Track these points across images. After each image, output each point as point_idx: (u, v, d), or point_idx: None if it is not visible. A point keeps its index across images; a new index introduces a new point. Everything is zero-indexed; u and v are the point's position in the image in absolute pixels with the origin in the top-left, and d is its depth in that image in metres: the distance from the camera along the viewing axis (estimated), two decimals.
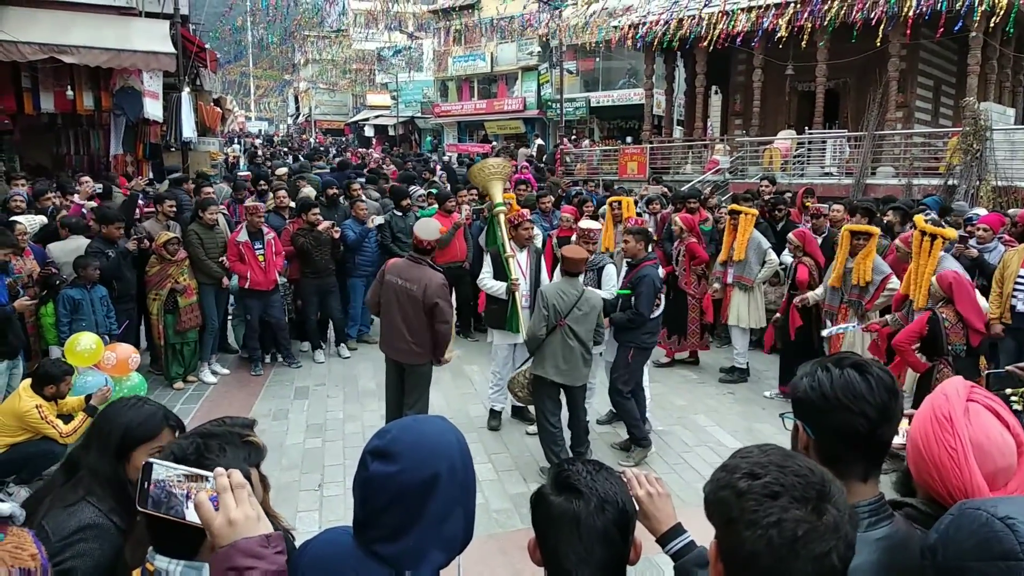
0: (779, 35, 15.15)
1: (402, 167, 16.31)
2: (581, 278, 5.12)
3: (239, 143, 31.71)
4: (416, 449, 1.35)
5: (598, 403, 6.08)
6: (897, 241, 5.90)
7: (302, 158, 21.93)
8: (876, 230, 6.03)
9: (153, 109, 11.79)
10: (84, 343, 5.07)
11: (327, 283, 7.66)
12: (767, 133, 16.78)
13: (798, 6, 14.96)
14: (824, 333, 5.98)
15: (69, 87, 11.29)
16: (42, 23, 10.65)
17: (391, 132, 42.03)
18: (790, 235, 6.85)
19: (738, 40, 16.10)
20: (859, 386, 1.33)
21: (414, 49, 40.70)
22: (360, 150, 30.37)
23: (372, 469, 1.34)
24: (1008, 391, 2.20)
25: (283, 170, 12.41)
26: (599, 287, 5.56)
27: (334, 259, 7.69)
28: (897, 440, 1.43)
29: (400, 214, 8.39)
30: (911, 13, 13.28)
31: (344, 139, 44.89)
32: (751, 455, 1.11)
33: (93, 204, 8.34)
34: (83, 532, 1.84)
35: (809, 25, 14.92)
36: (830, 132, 15.81)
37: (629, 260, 5.54)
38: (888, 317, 5.61)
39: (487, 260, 6.16)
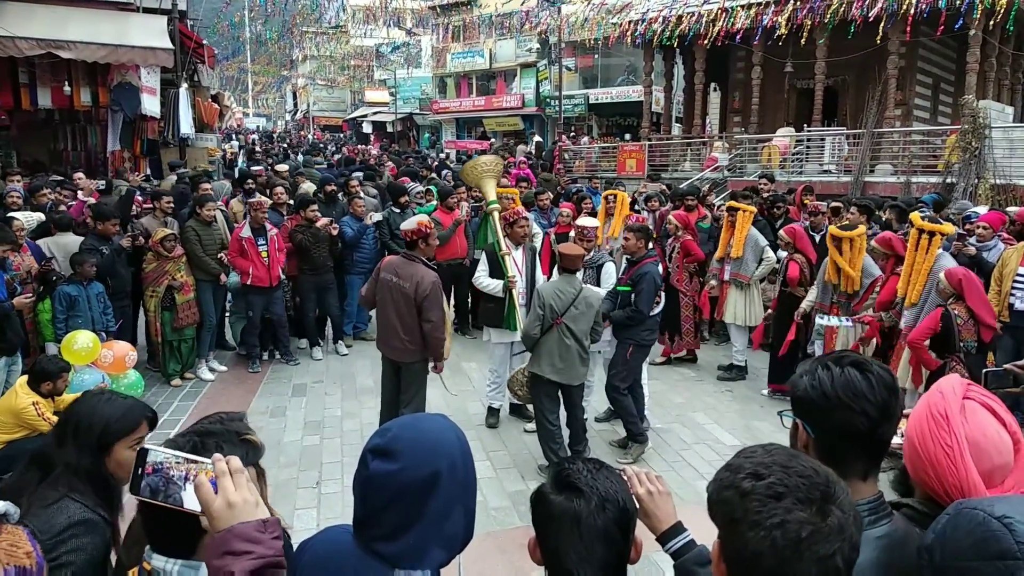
0: (779, 32, 15.14)
1: (403, 164, 16.30)
2: (579, 275, 5.11)
3: (237, 140, 31.65)
4: (417, 447, 1.34)
5: (596, 401, 6.08)
6: (872, 242, 5.88)
7: (302, 154, 21.92)
8: (860, 231, 5.98)
9: (151, 105, 11.78)
10: (81, 341, 5.05)
11: (325, 280, 7.65)
12: (766, 130, 16.78)
13: (797, 3, 14.95)
14: (818, 320, 6.00)
15: (66, 83, 11.26)
16: (39, 18, 10.62)
17: (389, 129, 42.00)
18: (781, 231, 6.85)
19: (737, 37, 16.08)
20: (860, 384, 1.32)
21: (412, 45, 40.67)
22: (360, 147, 30.33)
23: (373, 467, 1.33)
24: None
25: (283, 167, 12.40)
26: (598, 285, 5.55)
27: (332, 256, 7.68)
28: (895, 440, 1.43)
29: (398, 211, 8.37)
30: (911, 11, 13.27)
31: (342, 135, 44.83)
32: (755, 455, 1.11)
33: (94, 201, 8.31)
34: (74, 528, 1.83)
35: (808, 22, 14.91)
36: (829, 130, 15.80)
37: (629, 257, 5.54)
38: (882, 313, 5.61)
39: (482, 258, 6.15)
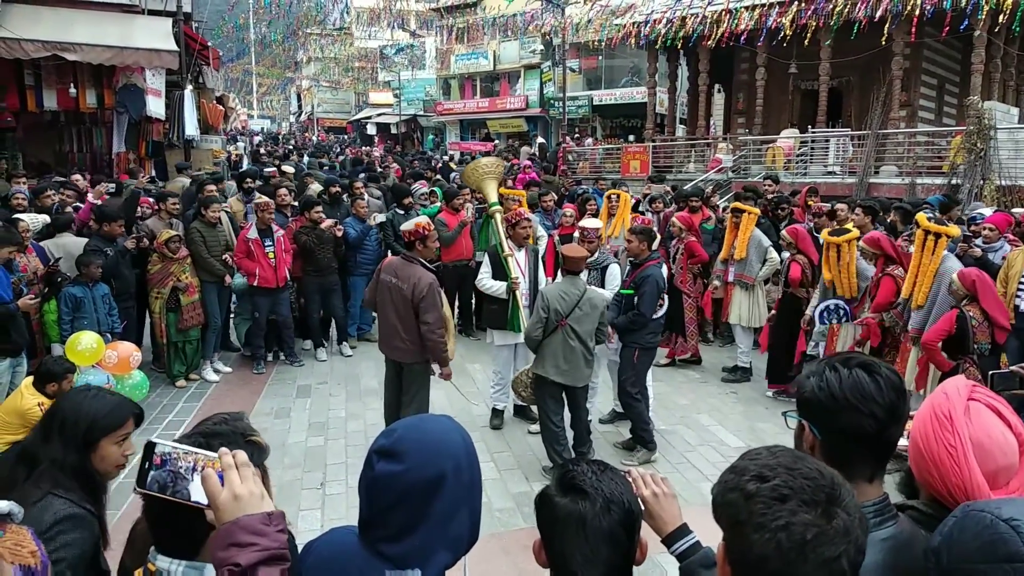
0: (783, 34, 15.11)
1: (409, 166, 16.32)
2: (584, 277, 5.10)
3: (243, 141, 31.72)
4: (422, 448, 1.34)
5: (600, 402, 6.08)
6: (861, 242, 5.85)
7: (307, 156, 21.97)
8: (850, 235, 5.96)
9: (156, 107, 11.81)
10: (85, 342, 5.07)
11: (330, 281, 7.66)
12: (770, 132, 16.75)
13: (802, 4, 14.92)
14: (819, 325, 5.98)
15: (72, 84, 11.30)
16: (45, 21, 10.66)
17: (393, 130, 42.01)
18: (783, 232, 6.84)
19: (741, 39, 16.06)
20: (868, 387, 1.32)
21: (416, 47, 40.68)
22: (363, 148, 30.36)
23: (378, 468, 1.33)
24: None
25: (289, 168, 12.43)
26: (603, 287, 5.54)
27: (336, 257, 7.69)
28: (901, 442, 1.43)
29: (402, 212, 8.38)
30: (916, 12, 13.23)
31: (346, 137, 44.89)
32: (760, 457, 1.10)
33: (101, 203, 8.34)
34: (62, 524, 1.83)
35: (813, 23, 14.88)
36: (833, 131, 15.77)
37: (632, 259, 5.53)
38: (884, 315, 5.59)
39: (485, 260, 6.15)
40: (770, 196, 8.93)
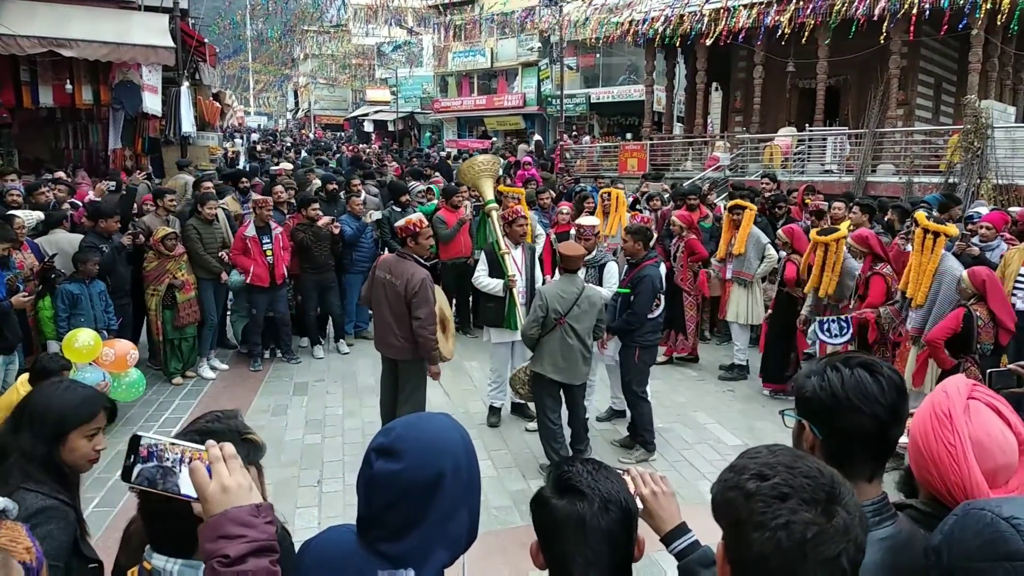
0: (781, 32, 15.11)
1: (408, 163, 16.30)
2: (581, 274, 5.10)
3: (241, 138, 31.65)
4: (421, 447, 1.34)
5: (598, 400, 6.08)
6: (849, 239, 5.85)
7: (305, 152, 21.96)
8: (841, 233, 5.96)
9: (152, 103, 11.77)
10: (82, 339, 5.05)
11: (326, 279, 7.65)
12: (767, 130, 16.75)
13: (800, 3, 14.92)
14: (813, 328, 5.97)
15: (68, 81, 11.25)
16: (41, 16, 10.62)
17: (391, 127, 41.97)
18: (779, 231, 6.85)
19: (739, 37, 16.06)
20: (870, 387, 1.31)
21: (414, 44, 40.64)
22: (359, 146, 30.32)
23: (376, 467, 1.33)
24: None
25: (287, 166, 12.42)
26: (600, 284, 5.54)
27: (334, 255, 7.68)
28: (900, 440, 1.42)
29: (399, 210, 8.37)
30: (914, 11, 13.24)
31: (343, 134, 44.83)
32: (759, 456, 1.10)
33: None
34: (36, 517, 1.81)
35: (811, 22, 14.88)
36: (831, 129, 15.77)
37: (630, 259, 5.52)
38: (881, 310, 5.59)
39: (482, 258, 6.14)
40: (767, 194, 8.93)
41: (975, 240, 6.39)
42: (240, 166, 17.71)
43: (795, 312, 6.39)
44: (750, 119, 17.47)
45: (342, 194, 8.67)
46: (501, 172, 9.85)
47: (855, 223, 6.62)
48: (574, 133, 26.38)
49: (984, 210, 7.63)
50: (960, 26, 13.30)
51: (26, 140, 13.31)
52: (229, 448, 1.17)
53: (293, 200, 8.16)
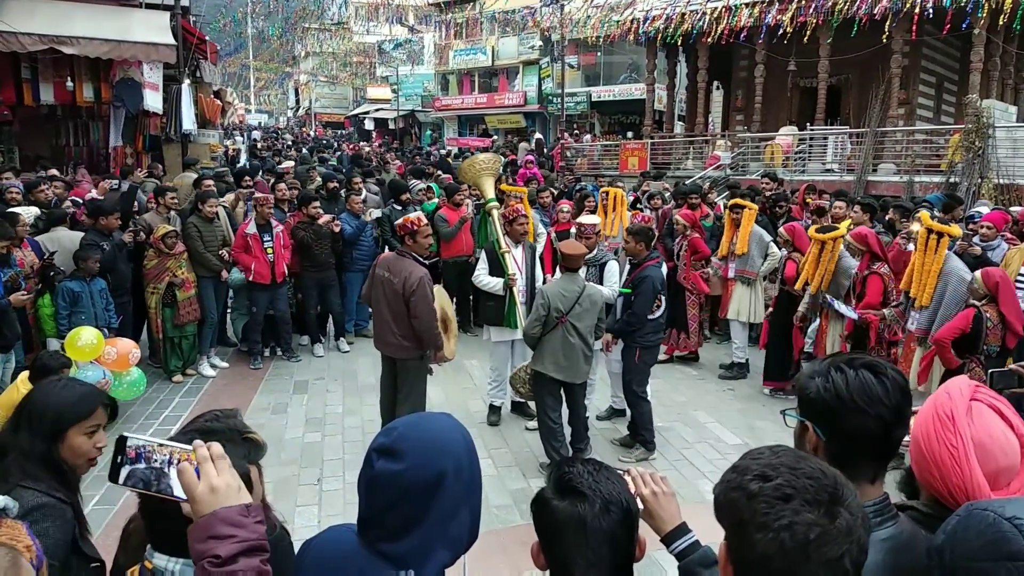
0: (783, 30, 15.10)
1: (412, 162, 16.29)
2: (582, 273, 5.09)
3: (242, 136, 31.66)
4: (422, 447, 1.33)
5: (598, 399, 6.07)
6: (847, 236, 5.84)
7: (306, 150, 21.96)
8: (840, 231, 5.96)
9: (153, 101, 11.76)
10: (85, 338, 5.05)
11: (327, 277, 7.65)
12: (768, 129, 16.74)
13: (802, 1, 14.90)
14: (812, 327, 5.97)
15: (69, 78, 11.24)
16: (42, 14, 10.60)
17: (392, 125, 41.96)
18: (780, 229, 6.86)
19: (741, 36, 16.05)
20: (875, 388, 1.31)
21: (415, 42, 40.61)
22: (361, 143, 30.31)
23: (378, 467, 1.32)
24: None
25: (289, 164, 12.41)
26: (601, 283, 5.53)
27: (334, 253, 7.68)
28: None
29: (400, 208, 8.37)
30: (916, 10, 13.23)
31: (344, 132, 44.83)
32: (762, 456, 1.10)
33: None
34: (32, 515, 1.81)
35: (813, 21, 14.87)
36: (832, 128, 15.76)
37: (632, 260, 5.51)
38: (886, 312, 5.59)
39: (482, 256, 6.14)
40: (768, 193, 8.93)
41: (976, 240, 6.38)
42: (241, 164, 17.70)
43: (796, 310, 6.39)
44: (751, 118, 17.46)
45: (343, 192, 8.67)
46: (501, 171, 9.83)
47: (856, 222, 6.62)
48: (575, 132, 26.36)
49: (985, 210, 7.62)
50: (963, 26, 13.28)
51: (27, 137, 13.31)
52: (217, 448, 1.17)
53: (294, 198, 8.16)
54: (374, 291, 4.89)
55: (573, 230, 6.26)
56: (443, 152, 25.10)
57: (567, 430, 5.12)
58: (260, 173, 11.79)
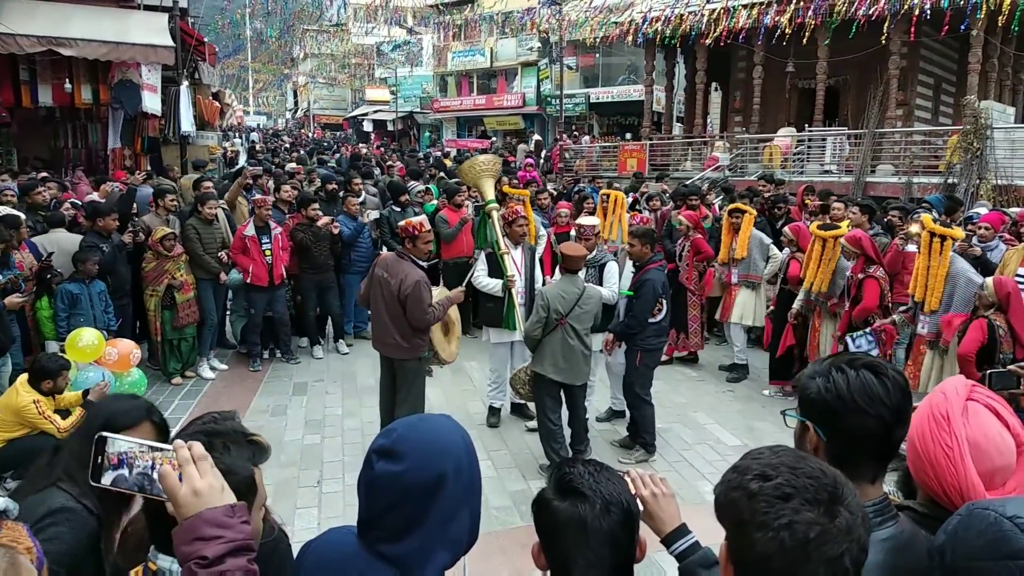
0: (781, 32, 15.12)
1: (415, 164, 16.28)
2: (582, 275, 5.09)
3: (241, 138, 31.67)
4: (422, 448, 1.33)
5: (597, 400, 6.07)
6: (843, 240, 5.84)
7: (303, 151, 21.97)
8: (842, 231, 5.95)
9: (151, 103, 11.76)
10: (86, 339, 5.05)
11: (326, 279, 7.64)
12: (767, 130, 16.76)
13: (800, 3, 14.93)
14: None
15: (67, 80, 11.24)
16: (41, 15, 10.61)
17: (390, 127, 41.96)
18: (786, 229, 6.88)
19: (740, 37, 16.07)
20: (876, 388, 1.31)
21: (413, 44, 40.62)
22: (360, 145, 30.31)
23: (377, 468, 1.32)
24: None
25: (292, 165, 12.41)
26: (600, 284, 5.53)
27: (333, 255, 7.67)
28: None
29: (399, 210, 8.37)
30: (914, 12, 13.25)
31: (343, 134, 44.83)
32: (762, 456, 1.10)
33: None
34: (53, 516, 1.84)
35: (811, 22, 14.89)
36: (830, 130, 15.79)
37: (635, 262, 5.50)
38: (896, 318, 5.59)
39: (481, 258, 6.14)
40: (766, 195, 8.94)
41: (974, 241, 6.40)
42: (240, 165, 17.70)
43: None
44: (749, 119, 17.49)
45: (341, 194, 8.67)
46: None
47: (854, 223, 6.62)
48: (574, 133, 26.38)
49: (984, 211, 7.64)
50: (961, 27, 13.31)
51: (25, 139, 13.31)
52: (198, 449, 1.16)
53: (293, 200, 8.16)
54: (373, 292, 4.90)
55: (573, 232, 6.26)
56: (437, 154, 25.12)
57: (567, 432, 5.12)
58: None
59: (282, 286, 7.26)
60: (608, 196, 8.35)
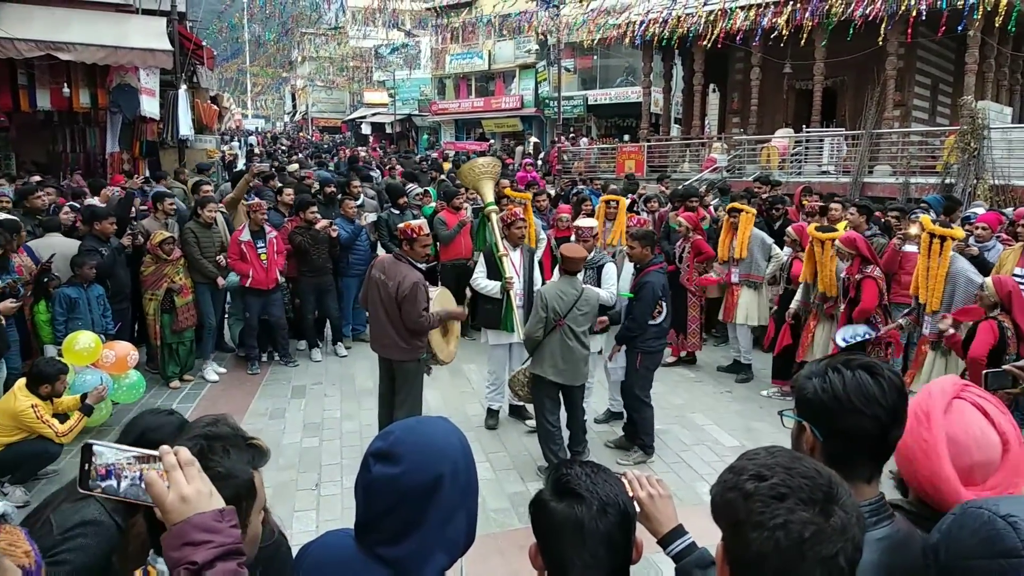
0: (778, 33, 15.15)
1: (417, 167, 16.29)
2: (580, 276, 5.10)
3: (239, 141, 31.67)
4: (419, 451, 1.34)
5: (596, 402, 6.08)
6: (837, 242, 5.84)
7: (300, 155, 21.98)
8: (839, 233, 5.96)
9: (150, 106, 11.77)
10: (82, 341, 5.05)
11: (324, 282, 7.64)
12: (765, 131, 16.78)
13: (797, 4, 14.96)
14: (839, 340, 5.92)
15: (66, 84, 11.26)
16: (39, 20, 10.61)
17: (388, 130, 42.00)
18: (788, 229, 6.90)
19: (737, 38, 16.09)
20: (872, 388, 1.32)
21: (411, 47, 40.69)
22: (358, 148, 30.33)
23: (375, 471, 1.33)
24: None
25: (294, 167, 12.42)
26: (599, 285, 5.53)
27: (331, 258, 7.68)
28: None
29: (397, 212, 8.37)
30: (911, 13, 13.28)
31: (341, 137, 44.85)
32: (758, 457, 1.11)
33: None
34: (84, 527, 1.85)
35: (808, 23, 14.92)
36: (828, 131, 15.81)
37: (636, 264, 5.50)
38: (902, 321, 5.60)
39: (480, 260, 6.14)
40: (764, 196, 8.96)
41: (971, 240, 6.41)
42: (239, 169, 17.70)
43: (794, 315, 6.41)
44: (747, 120, 17.51)
45: (339, 196, 8.67)
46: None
47: (852, 224, 6.64)
48: (572, 135, 26.41)
49: (982, 211, 7.66)
50: (958, 28, 13.33)
51: (23, 144, 13.31)
52: (184, 454, 1.16)
53: (291, 202, 8.16)
54: (370, 293, 4.90)
55: (572, 237, 6.26)
56: (433, 155, 25.13)
57: (565, 433, 5.12)
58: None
59: (277, 290, 7.25)
60: (614, 202, 8.20)
